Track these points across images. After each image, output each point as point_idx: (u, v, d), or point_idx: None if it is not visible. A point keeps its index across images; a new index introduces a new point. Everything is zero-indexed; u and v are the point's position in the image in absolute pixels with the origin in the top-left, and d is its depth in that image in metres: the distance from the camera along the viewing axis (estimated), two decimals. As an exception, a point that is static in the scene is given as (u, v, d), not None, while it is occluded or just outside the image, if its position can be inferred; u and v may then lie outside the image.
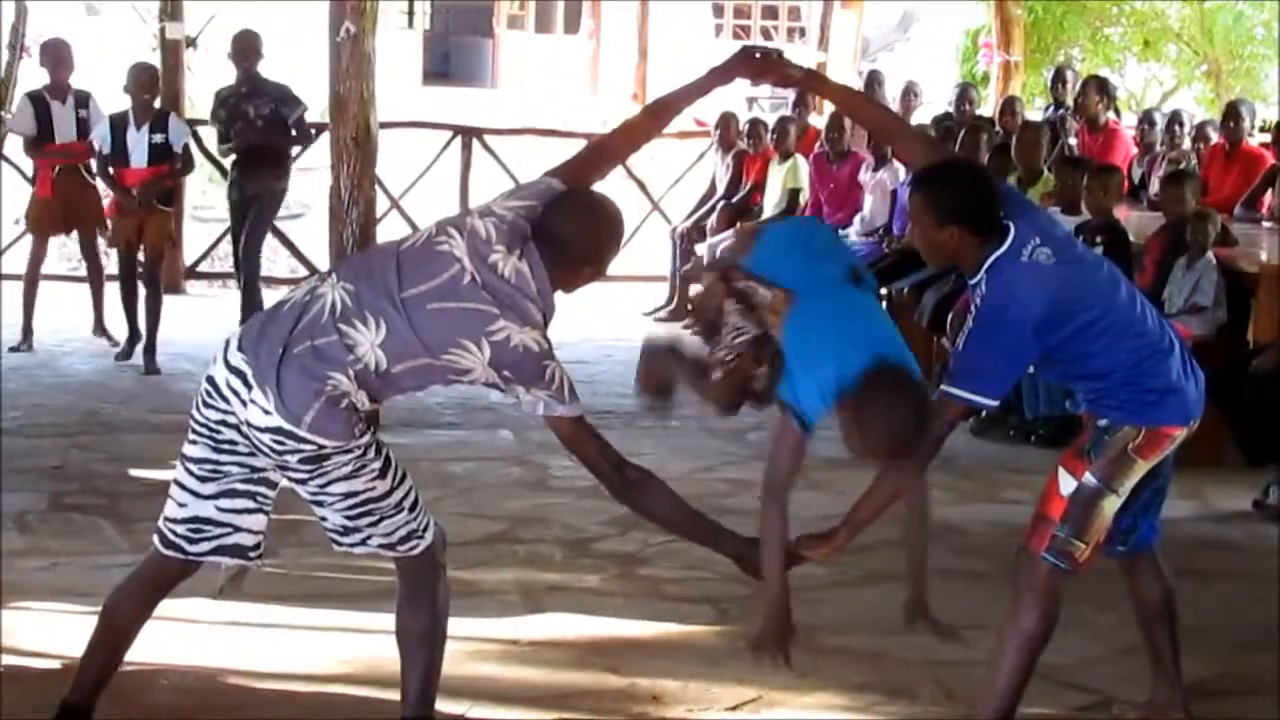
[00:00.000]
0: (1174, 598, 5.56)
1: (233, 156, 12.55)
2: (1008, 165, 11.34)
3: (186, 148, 12.03)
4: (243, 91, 12.40)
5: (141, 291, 11.75)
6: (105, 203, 12.07)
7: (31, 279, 12.34)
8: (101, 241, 12.42)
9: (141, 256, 11.81)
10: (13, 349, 12.01)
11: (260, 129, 12.28)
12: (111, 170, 11.69)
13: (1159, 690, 5.60)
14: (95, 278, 12.42)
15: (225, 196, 12.93)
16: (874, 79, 15.24)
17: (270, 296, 11.86)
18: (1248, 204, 11.74)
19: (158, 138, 11.65)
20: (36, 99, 12.28)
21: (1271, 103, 22.24)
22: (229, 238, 15.05)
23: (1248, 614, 6.83)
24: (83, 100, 12.33)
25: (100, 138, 11.68)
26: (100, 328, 12.38)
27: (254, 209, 12.42)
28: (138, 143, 11.62)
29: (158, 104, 12.09)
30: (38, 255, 12.44)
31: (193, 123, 14.89)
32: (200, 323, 12.64)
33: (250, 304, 12.03)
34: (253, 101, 12.32)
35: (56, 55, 12.41)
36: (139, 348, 11.66)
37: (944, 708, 5.74)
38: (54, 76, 12.34)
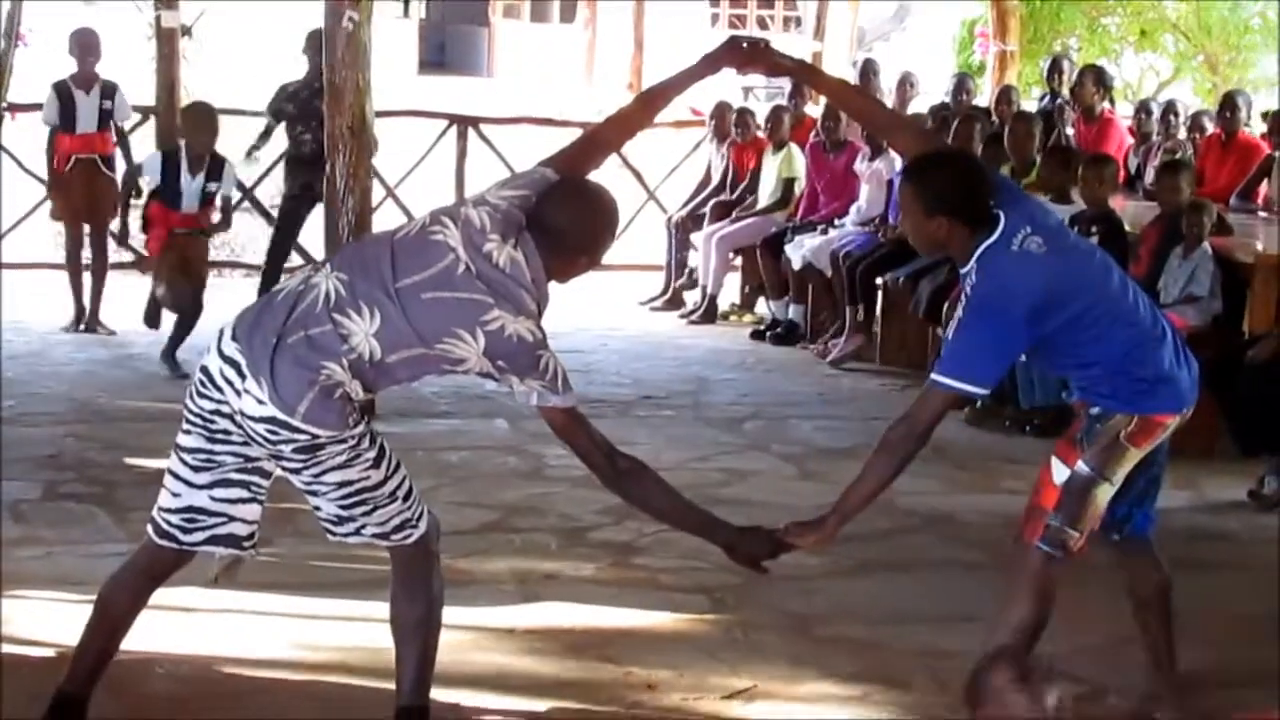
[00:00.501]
0: (1169, 588, 5.57)
1: (278, 151, 12.51)
2: (1001, 155, 11.34)
3: (227, 198, 11.58)
4: (316, 87, 12.23)
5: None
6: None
7: (71, 265, 12.41)
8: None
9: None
10: (65, 330, 12.21)
11: None
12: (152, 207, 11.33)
13: (1155, 680, 5.60)
14: (99, 271, 12.35)
15: (284, 191, 12.57)
16: (869, 69, 15.20)
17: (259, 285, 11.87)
18: (1243, 194, 11.76)
19: (212, 186, 11.24)
20: (61, 88, 12.25)
21: (1270, 92, 22.23)
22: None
23: (1243, 604, 6.83)
24: (109, 91, 12.28)
25: (151, 171, 11.30)
26: (95, 321, 12.34)
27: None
28: (192, 190, 11.16)
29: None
30: (72, 241, 12.49)
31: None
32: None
33: None
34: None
35: (85, 44, 12.34)
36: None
37: (938, 698, 5.73)
38: (81, 65, 12.29)
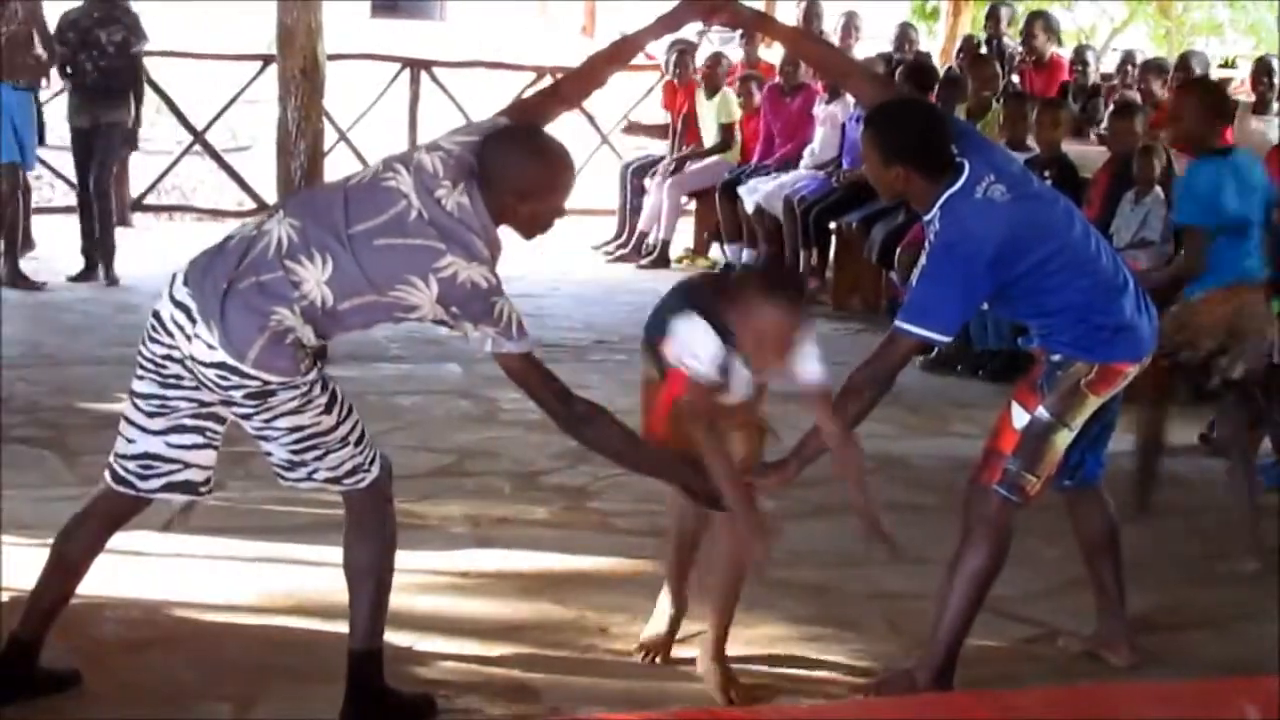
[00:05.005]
0: (1118, 532, 5.60)
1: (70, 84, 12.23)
2: (957, 97, 11.37)
3: None
4: (95, 16, 12.02)
5: None
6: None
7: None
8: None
9: None
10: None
11: (112, 55, 11.95)
12: None
13: (1104, 623, 5.64)
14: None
15: (70, 124, 12.37)
16: (812, 11, 15.06)
17: (219, 229, 11.79)
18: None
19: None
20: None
21: (1217, 39, 22.25)
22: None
23: (1192, 548, 6.87)
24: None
25: None
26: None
27: (100, 142, 12.11)
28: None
29: None
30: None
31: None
32: (146, 255, 12.54)
33: (104, 240, 12.07)
34: (106, 28, 11.97)
35: None
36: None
37: (890, 641, 5.76)
38: None
